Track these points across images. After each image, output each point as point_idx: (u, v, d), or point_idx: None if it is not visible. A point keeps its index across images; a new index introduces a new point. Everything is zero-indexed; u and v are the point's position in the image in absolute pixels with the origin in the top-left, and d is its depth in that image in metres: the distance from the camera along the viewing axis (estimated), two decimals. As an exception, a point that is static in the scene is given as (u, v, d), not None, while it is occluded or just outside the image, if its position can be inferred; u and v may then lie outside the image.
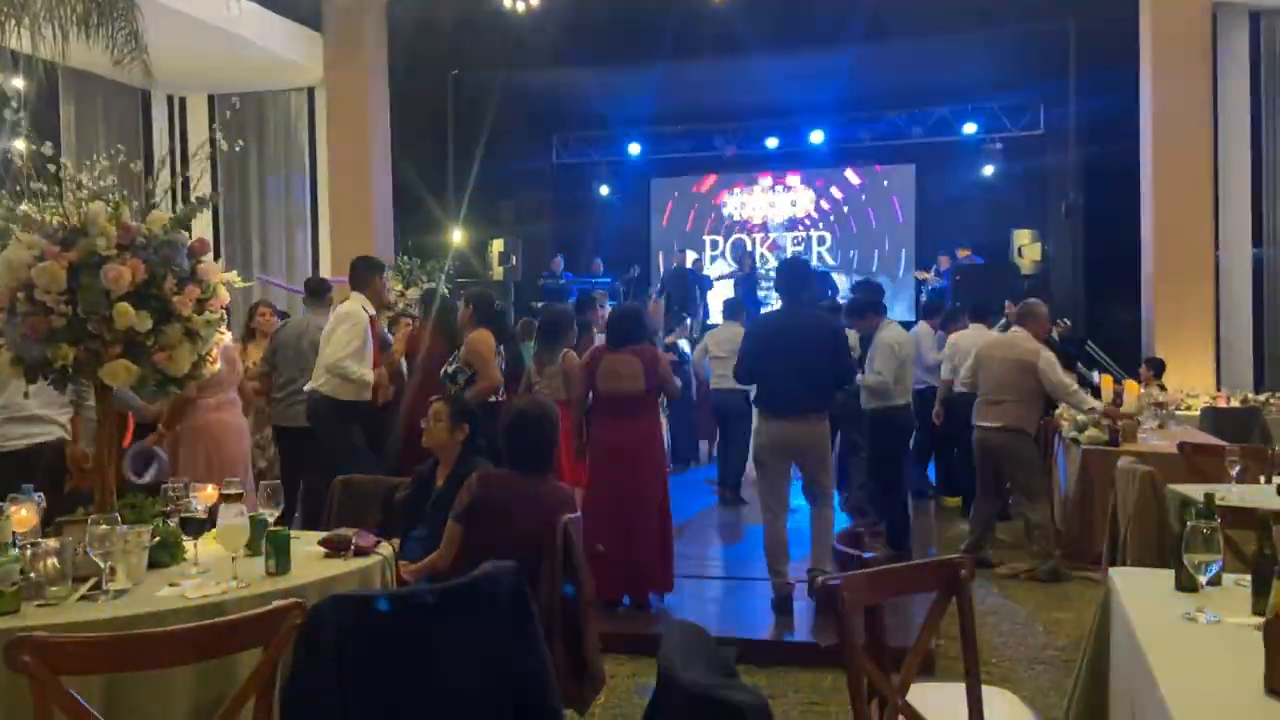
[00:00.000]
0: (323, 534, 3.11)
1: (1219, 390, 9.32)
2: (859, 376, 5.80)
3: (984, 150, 14.07)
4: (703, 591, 5.54)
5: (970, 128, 14.06)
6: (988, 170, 14.07)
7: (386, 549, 3.02)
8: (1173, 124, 9.93)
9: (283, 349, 6.07)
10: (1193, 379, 9.52)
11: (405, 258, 11.25)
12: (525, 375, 5.67)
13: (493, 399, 5.16)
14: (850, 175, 15.25)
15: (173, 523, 2.92)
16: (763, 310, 12.00)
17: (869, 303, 6.09)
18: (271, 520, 3.01)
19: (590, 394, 5.13)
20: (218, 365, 3.05)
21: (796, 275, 5.20)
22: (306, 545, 3.03)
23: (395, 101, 11.94)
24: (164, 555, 2.84)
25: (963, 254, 12.40)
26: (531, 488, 3.28)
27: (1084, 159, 11.68)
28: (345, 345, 5.30)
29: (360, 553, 2.93)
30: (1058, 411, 6.88)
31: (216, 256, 12.10)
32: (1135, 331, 10.56)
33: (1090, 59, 11.51)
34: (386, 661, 2.03)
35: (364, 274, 5.47)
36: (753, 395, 5.30)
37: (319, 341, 5.62)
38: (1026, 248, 12.49)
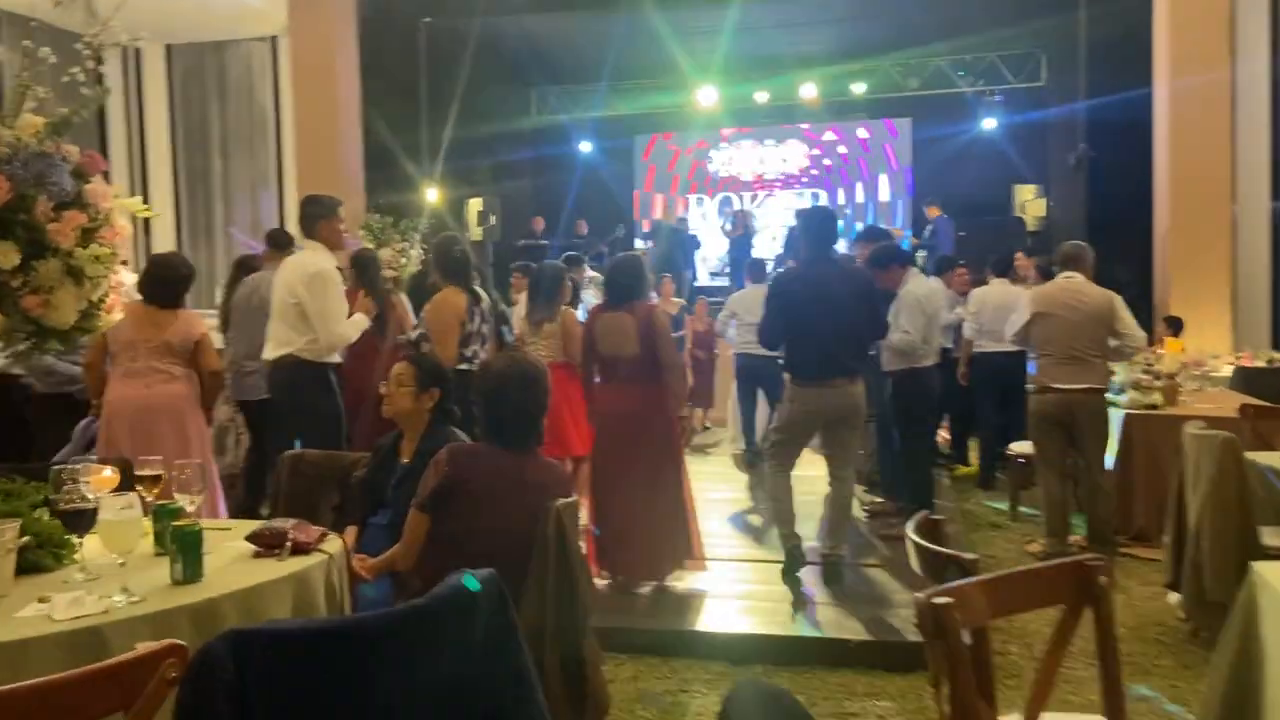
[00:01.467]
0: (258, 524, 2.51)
1: (1239, 350, 8.81)
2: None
3: (983, 103, 13.48)
4: (718, 574, 4.96)
5: (969, 80, 13.44)
6: (988, 124, 13.48)
7: (334, 544, 2.42)
8: (1188, 70, 9.32)
9: (235, 313, 5.44)
10: (1208, 338, 9.01)
11: (377, 216, 10.55)
12: (505, 336, 5.04)
13: (465, 364, 4.56)
14: (844, 130, 14.60)
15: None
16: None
17: (895, 252, 5.47)
18: (192, 509, 2.40)
19: (591, 357, 4.55)
20: (115, 314, 2.41)
21: (822, 224, 4.60)
22: (232, 541, 2.42)
23: (364, 51, 11.19)
24: (46, 558, 2.23)
25: (933, 212, 11.80)
26: (515, 466, 2.66)
27: (1090, 111, 11.07)
28: (338, 315, 4.56)
29: (299, 550, 2.33)
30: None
31: (178, 221, 11.34)
32: (1146, 289, 10.01)
33: (1099, 5, 10.89)
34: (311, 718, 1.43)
35: (314, 216, 4.67)
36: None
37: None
38: (1029, 203, 11.94)
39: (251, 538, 2.37)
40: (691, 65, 13.15)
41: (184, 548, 2.13)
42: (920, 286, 5.33)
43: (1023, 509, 6.14)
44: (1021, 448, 6.33)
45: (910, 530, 2.01)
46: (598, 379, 4.54)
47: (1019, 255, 7.51)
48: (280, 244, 5.77)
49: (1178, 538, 3.83)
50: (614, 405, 4.39)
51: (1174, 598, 4.18)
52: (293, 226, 10.74)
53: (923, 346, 5.24)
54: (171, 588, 2.10)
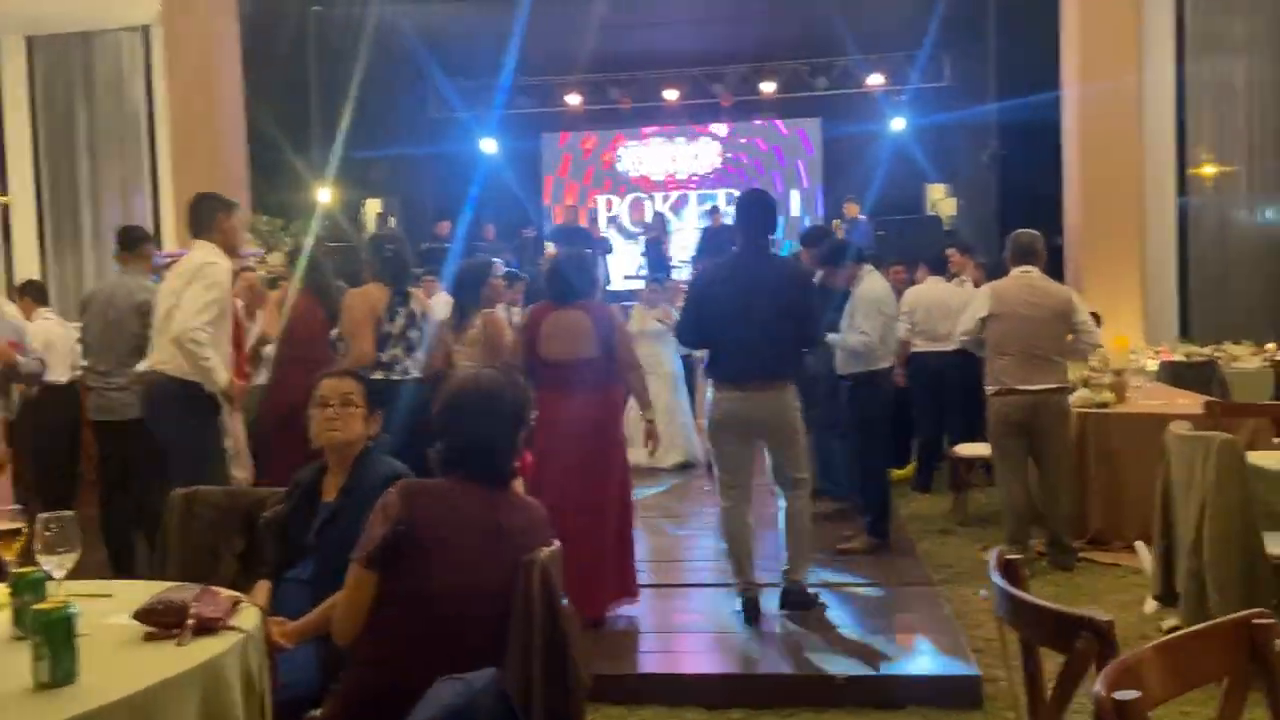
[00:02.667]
0: (161, 587, 1.98)
1: (1150, 344, 8.89)
2: (840, 337, 4.87)
3: (891, 103, 13.46)
4: (674, 603, 4.54)
5: (876, 79, 13.41)
6: (896, 124, 13.45)
7: (250, 618, 1.91)
8: (1097, 74, 9.36)
9: (89, 327, 4.81)
10: (1121, 333, 9.07)
11: (265, 217, 9.82)
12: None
13: (381, 372, 4.03)
14: (754, 129, 14.41)
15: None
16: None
17: (847, 249, 5.15)
18: (60, 577, 1.87)
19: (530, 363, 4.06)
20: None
21: (759, 210, 4.17)
22: (115, 618, 1.89)
23: (247, 41, 10.43)
24: None
25: (851, 211, 11.71)
26: (486, 507, 2.15)
27: (999, 112, 11.09)
28: (199, 309, 3.96)
29: (206, 629, 1.82)
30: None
31: (40, 226, 10.37)
32: (1060, 286, 10.05)
33: (1007, 4, 10.93)
34: None
35: (208, 213, 4.12)
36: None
37: (136, 309, 4.53)
38: (941, 202, 11.94)
39: (142, 615, 1.85)
40: (599, 61, 12.75)
41: (51, 639, 1.60)
42: (876, 285, 5.02)
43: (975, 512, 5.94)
44: (967, 449, 6.13)
45: (997, 577, 1.64)
46: (539, 388, 4.09)
47: (951, 252, 7.33)
48: (131, 242, 5.03)
49: (1166, 547, 3.59)
50: (562, 416, 3.92)
51: (1150, 606, 3.97)
52: (169, 230, 10.09)
53: (880, 348, 4.94)
54: (34, 694, 1.58)
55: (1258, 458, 3.51)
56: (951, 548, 5.34)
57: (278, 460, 4.45)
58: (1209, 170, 9.76)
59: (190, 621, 1.81)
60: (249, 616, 1.92)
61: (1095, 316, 8.59)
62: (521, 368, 3.86)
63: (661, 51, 12.88)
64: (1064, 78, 9.73)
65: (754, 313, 3.91)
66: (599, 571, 3.92)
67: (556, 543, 2.10)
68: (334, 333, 4.48)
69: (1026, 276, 4.89)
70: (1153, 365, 7.33)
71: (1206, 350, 8.06)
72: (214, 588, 1.99)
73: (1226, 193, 9.74)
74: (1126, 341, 7.66)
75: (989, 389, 4.87)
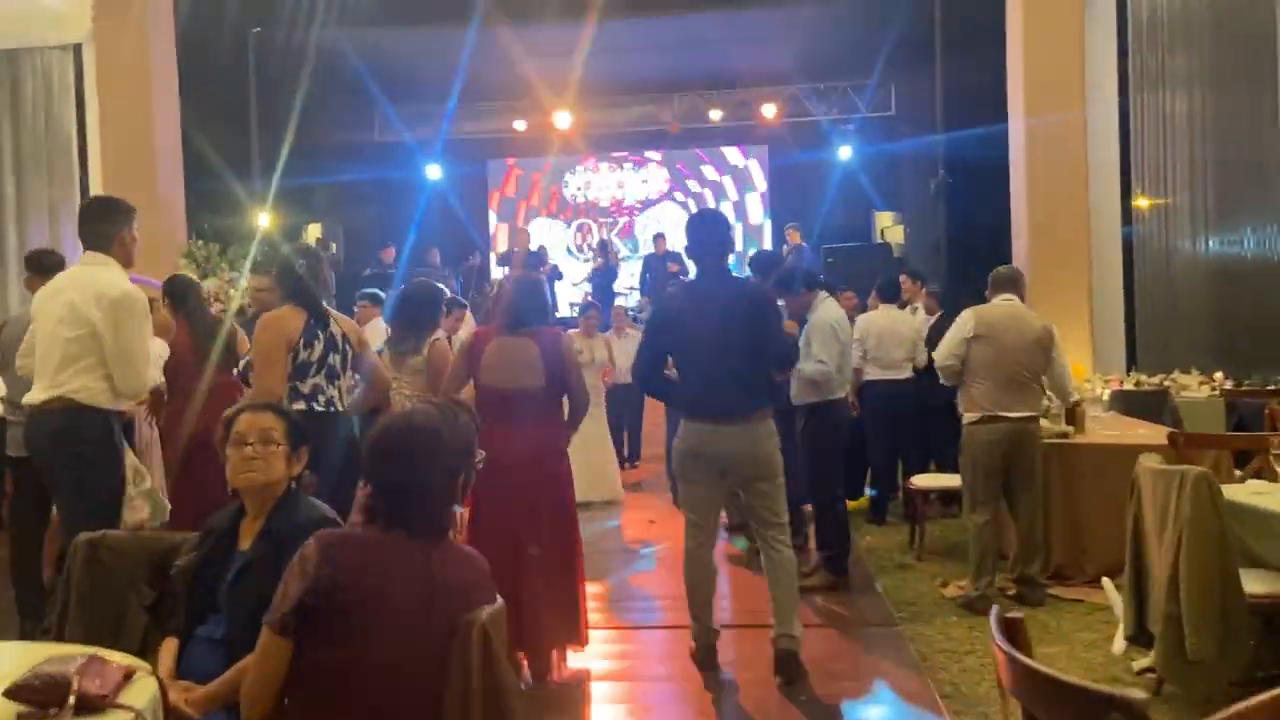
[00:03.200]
0: (44, 651, 1.72)
1: (1098, 373, 8.91)
2: (797, 366, 4.70)
3: (838, 132, 13.52)
4: (623, 647, 4.30)
5: (823, 109, 13.47)
6: (843, 152, 13.51)
7: (143, 692, 1.66)
8: (1043, 107, 9.44)
9: (3, 356, 4.46)
10: (1069, 362, 9.08)
11: (200, 242, 9.47)
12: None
13: (302, 402, 3.72)
14: (704, 156, 14.37)
15: None
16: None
17: (802, 275, 5.00)
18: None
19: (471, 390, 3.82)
20: None
21: (713, 231, 3.98)
22: (-16, 695, 1.63)
23: (184, 61, 10.11)
24: None
25: (793, 237, 11.66)
26: (420, 561, 1.89)
27: (947, 143, 11.15)
28: (146, 350, 3.71)
29: (88, 708, 1.57)
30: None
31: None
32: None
33: (953, 38, 11.01)
34: None
35: (111, 222, 3.75)
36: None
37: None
38: (889, 230, 11.96)
39: (15, 692, 1.59)
40: (546, 86, 12.61)
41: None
42: (831, 312, 4.88)
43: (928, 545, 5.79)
44: (924, 480, 6.01)
45: (1002, 640, 1.46)
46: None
47: (904, 278, 7.26)
48: (46, 268, 4.59)
49: (1138, 586, 3.46)
50: (503, 451, 3.69)
51: (1120, 646, 3.84)
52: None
53: (837, 376, 4.79)
54: None
55: (1226, 491, 3.40)
56: (911, 583, 5.18)
57: (182, 502, 4.17)
58: (1153, 202, 9.88)
59: (70, 700, 1.55)
60: (142, 691, 1.67)
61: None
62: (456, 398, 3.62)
63: (610, 78, 12.78)
64: (1010, 110, 9.79)
65: (720, 340, 3.70)
66: (546, 622, 3.68)
67: (499, 600, 1.88)
68: (242, 362, 4.19)
69: (1010, 304, 4.82)
70: (1104, 394, 7.32)
71: (1155, 380, 8.09)
72: (103, 655, 1.73)
73: (1170, 224, 9.86)
74: (1083, 370, 7.66)
75: (968, 417, 4.73)
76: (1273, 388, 7.18)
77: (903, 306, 6.99)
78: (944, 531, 6.14)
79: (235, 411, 2.46)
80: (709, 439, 3.71)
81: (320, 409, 3.70)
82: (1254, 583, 3.16)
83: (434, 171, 13.96)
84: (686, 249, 4.15)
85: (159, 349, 4.54)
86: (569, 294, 13.47)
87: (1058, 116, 9.29)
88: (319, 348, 3.75)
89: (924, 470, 6.80)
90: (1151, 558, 3.37)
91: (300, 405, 3.61)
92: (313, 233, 11.56)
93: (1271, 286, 9.34)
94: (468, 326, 7.64)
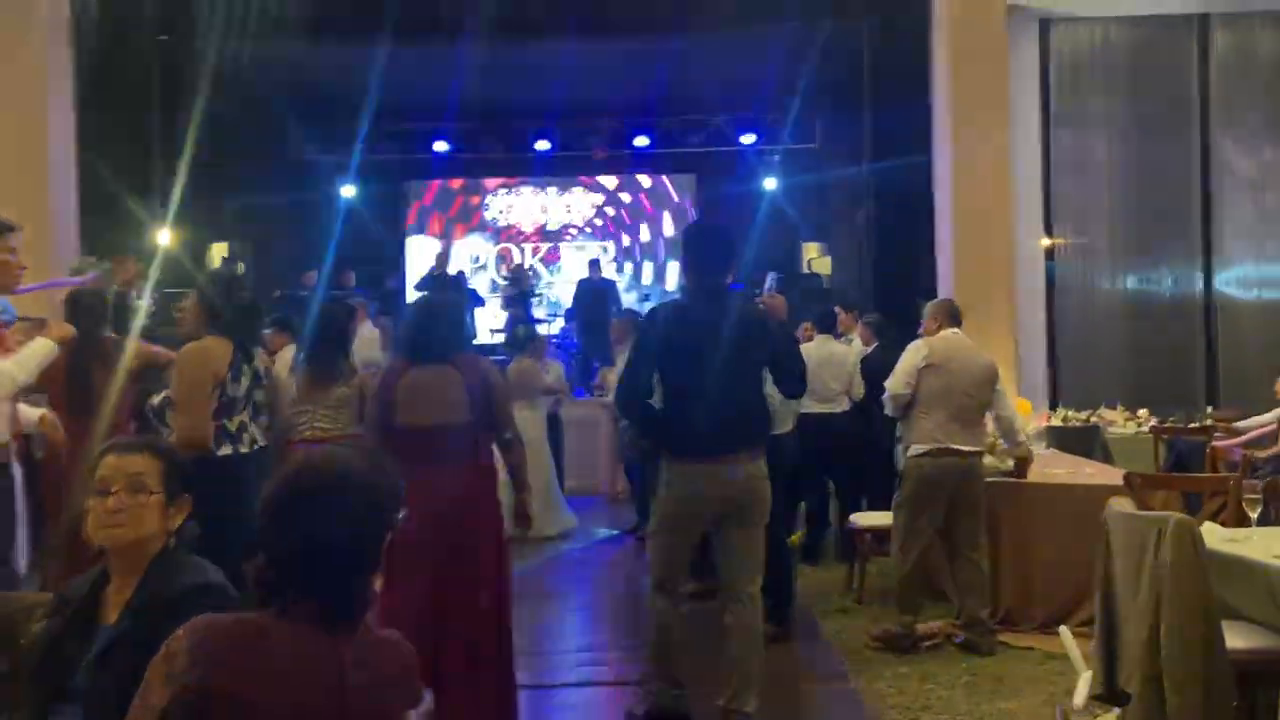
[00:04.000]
0: None
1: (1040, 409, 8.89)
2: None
3: (764, 162, 13.47)
4: (556, 714, 3.95)
5: (748, 138, 13.41)
6: (769, 183, 13.46)
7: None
8: (969, 140, 9.48)
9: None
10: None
11: (95, 258, 8.82)
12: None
13: (228, 446, 3.33)
14: (628, 183, 14.18)
15: None
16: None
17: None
18: None
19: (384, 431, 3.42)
20: None
21: (712, 244, 3.64)
22: None
23: (82, 71, 9.50)
24: None
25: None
26: (327, 656, 1.49)
27: (873, 174, 11.16)
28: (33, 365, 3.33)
29: None
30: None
31: None
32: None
33: (881, 72, 11.06)
34: None
35: None
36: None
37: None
38: (815, 260, 11.91)
39: None
40: (467, 109, 12.26)
41: None
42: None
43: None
44: (866, 519, 5.80)
45: None
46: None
47: (839, 310, 7.12)
48: None
49: (1108, 640, 3.26)
50: (422, 499, 3.31)
51: (1081, 698, 3.64)
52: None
53: (783, 408, 4.56)
54: None
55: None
56: (854, 629, 4.97)
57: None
58: (1071, 240, 10.02)
59: None
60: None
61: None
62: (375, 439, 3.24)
63: (533, 101, 12.50)
64: (935, 143, 9.82)
65: (721, 365, 3.36)
66: (475, 709, 3.29)
67: (428, 697, 1.54)
68: (155, 399, 3.78)
69: (958, 337, 4.68)
70: (1030, 430, 7.23)
71: (1083, 415, 8.10)
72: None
73: (1090, 262, 10.00)
74: (1029, 406, 7.57)
75: (916, 449, 4.55)
76: (1205, 424, 7.21)
77: (839, 338, 6.83)
78: (882, 570, 5.94)
79: (102, 452, 2.06)
80: (707, 481, 3.34)
81: (246, 450, 3.36)
82: (1234, 637, 2.98)
83: (348, 191, 13.46)
84: (682, 262, 3.88)
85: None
86: (490, 320, 13.09)
87: (982, 150, 9.35)
88: (245, 382, 3.40)
89: (857, 507, 6.64)
90: (1124, 610, 3.17)
91: (227, 449, 3.28)
92: (217, 251, 10.97)
93: (1189, 325, 9.52)
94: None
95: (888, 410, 4.77)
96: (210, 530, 2.29)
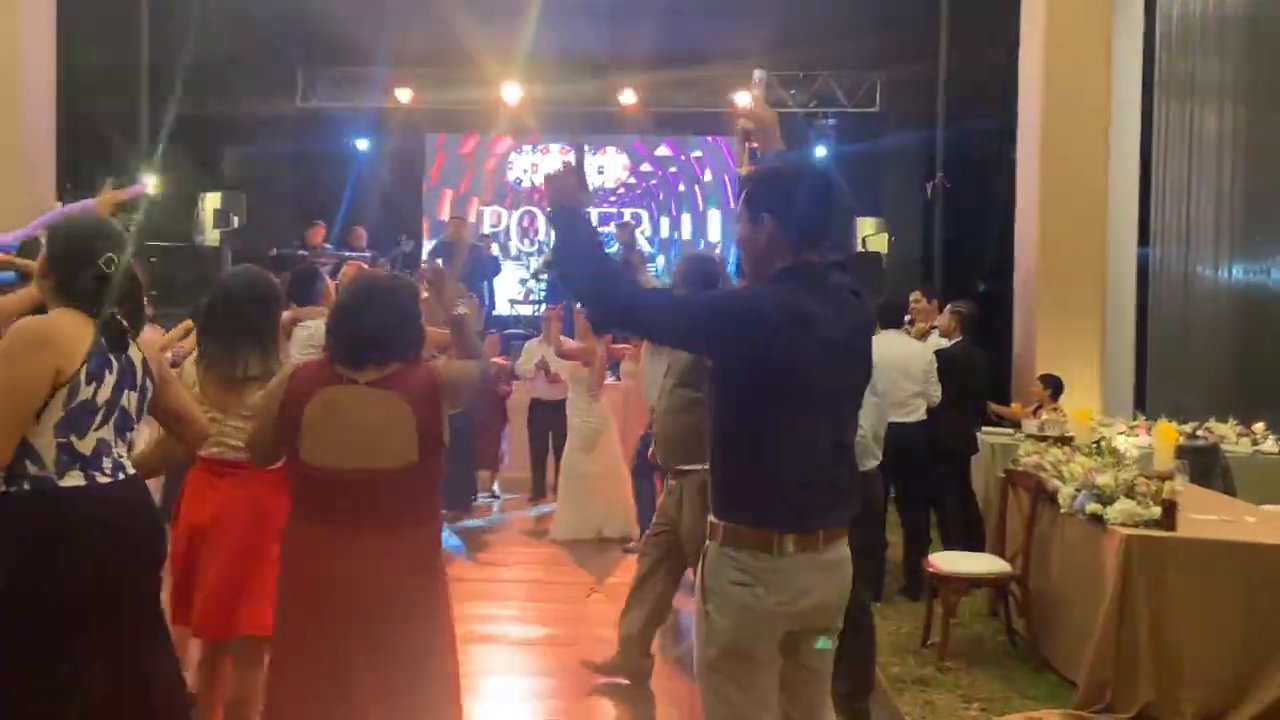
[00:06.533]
0: None
1: (1108, 415, 7.70)
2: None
3: (815, 127, 12.26)
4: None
5: (799, 100, 12.19)
6: (818, 151, 12.26)
7: None
8: (1062, 102, 8.26)
9: None
10: (1076, 401, 7.88)
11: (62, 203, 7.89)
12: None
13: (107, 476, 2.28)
14: (668, 144, 13.01)
15: None
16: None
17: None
18: None
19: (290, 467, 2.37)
20: None
21: (843, 200, 2.44)
22: None
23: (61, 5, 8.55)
24: None
25: None
26: None
27: (945, 140, 9.92)
28: None
29: None
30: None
31: None
32: (1004, 342, 8.82)
33: (959, 26, 9.82)
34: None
35: None
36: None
37: None
38: (871, 238, 10.72)
39: None
40: (492, 54, 11.14)
41: None
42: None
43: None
44: (951, 563, 4.67)
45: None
46: (301, 514, 2.39)
47: (916, 296, 5.97)
48: None
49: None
50: (333, 576, 2.27)
51: None
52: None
53: (870, 441, 3.47)
54: None
55: None
56: (941, 709, 3.89)
57: None
58: (1170, 222, 8.79)
59: None
60: None
61: (1052, 379, 7.46)
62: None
63: (564, 51, 11.36)
64: (1021, 106, 8.62)
65: (845, 389, 2.19)
66: None
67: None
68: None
69: None
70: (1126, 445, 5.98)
71: (1188, 428, 6.89)
72: None
73: (1191, 247, 8.77)
74: (1087, 415, 6.38)
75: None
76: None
77: (918, 331, 5.70)
78: (962, 620, 4.85)
79: None
80: (816, 574, 2.09)
81: (106, 480, 2.27)
82: None
83: (362, 144, 12.44)
84: (780, 225, 2.13)
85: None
86: (510, 290, 12.03)
87: (1076, 110, 8.13)
88: (110, 382, 2.30)
89: (926, 535, 5.58)
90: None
91: (75, 478, 2.19)
92: (209, 203, 9.95)
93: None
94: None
95: None
96: None
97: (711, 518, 2.13)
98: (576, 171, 2.11)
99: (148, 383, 2.39)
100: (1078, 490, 4.09)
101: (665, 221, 12.95)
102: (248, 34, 10.48)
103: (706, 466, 2.18)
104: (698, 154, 13.04)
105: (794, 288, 2.10)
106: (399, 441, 2.27)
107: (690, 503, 3.78)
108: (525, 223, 12.95)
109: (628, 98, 11.93)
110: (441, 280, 2.58)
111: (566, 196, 2.07)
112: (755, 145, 2.41)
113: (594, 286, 2.09)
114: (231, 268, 4.05)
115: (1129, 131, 8.53)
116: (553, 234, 2.18)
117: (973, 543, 5.33)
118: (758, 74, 2.59)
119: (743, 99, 12.17)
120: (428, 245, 12.16)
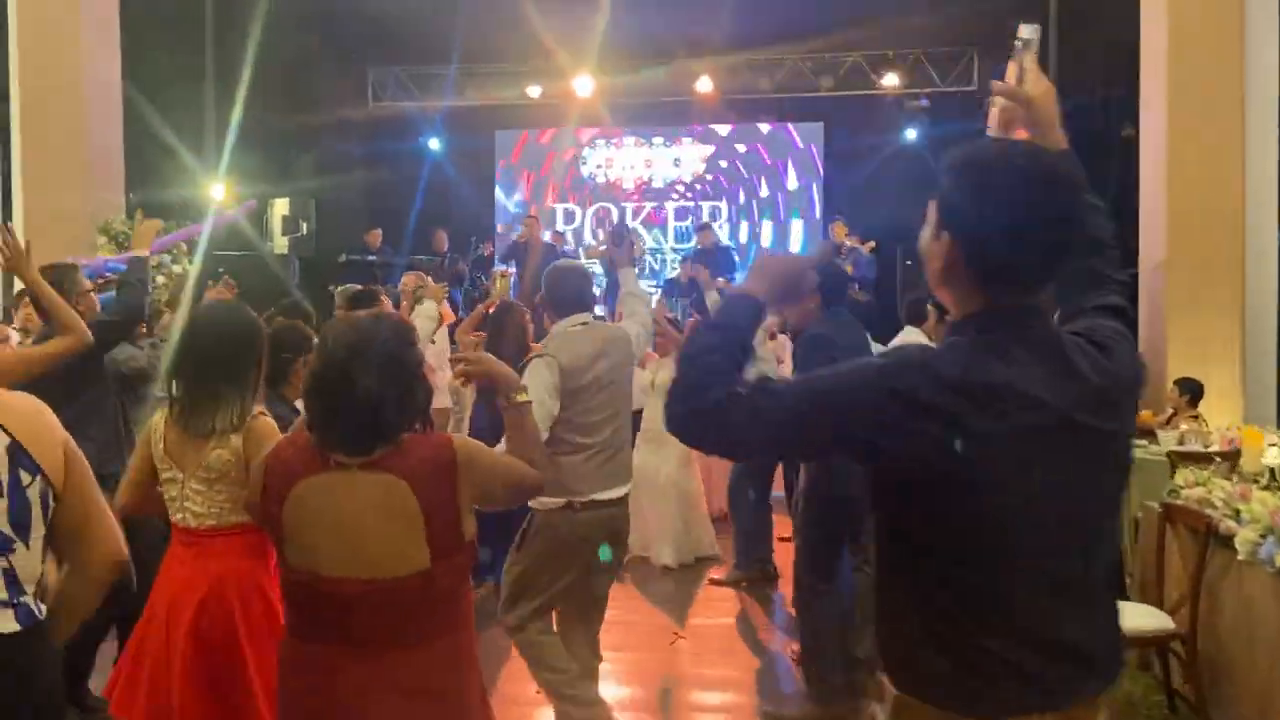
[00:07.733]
0: None
1: (1261, 425, 6.81)
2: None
3: (906, 108, 11.52)
4: None
5: (889, 80, 11.45)
6: (911, 133, 11.52)
7: None
8: (1189, 69, 7.44)
9: None
10: (1214, 407, 7.04)
11: (123, 218, 7.80)
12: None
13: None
14: (746, 131, 12.38)
15: None
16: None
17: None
18: None
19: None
20: None
21: (1069, 207, 1.41)
22: None
23: (127, 5, 8.39)
24: None
25: (839, 234, 9.74)
26: None
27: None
28: None
29: None
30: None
31: None
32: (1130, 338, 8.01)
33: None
34: None
35: None
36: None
37: None
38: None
39: None
40: (564, 47, 10.70)
41: None
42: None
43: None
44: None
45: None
46: (292, 626, 1.88)
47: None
48: None
49: None
50: (335, 697, 1.76)
51: None
52: (20, 231, 7.91)
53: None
54: None
55: None
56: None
57: None
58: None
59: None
60: None
61: (1191, 383, 6.67)
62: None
63: (637, 39, 10.84)
64: (1144, 73, 7.83)
65: (1078, 504, 1.40)
66: None
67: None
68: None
69: None
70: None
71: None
72: None
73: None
74: (1260, 437, 5.02)
75: None
76: None
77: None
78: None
79: None
80: None
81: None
82: None
83: (434, 144, 12.15)
84: (969, 252, 1.39)
85: None
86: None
87: (1208, 76, 7.31)
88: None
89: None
90: None
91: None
92: (278, 209, 9.72)
93: None
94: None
95: None
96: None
97: None
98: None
99: (48, 490, 1.66)
100: (1262, 536, 3.40)
101: (745, 226, 12.31)
102: (314, 32, 10.26)
103: None
104: (768, 138, 12.35)
105: (978, 337, 1.45)
106: (402, 541, 1.73)
107: None
108: (601, 215, 12.47)
109: (704, 85, 11.35)
110: (491, 369, 1.95)
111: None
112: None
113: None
114: (207, 303, 3.61)
115: (1266, 106, 7.64)
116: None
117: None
118: (1025, 30, 1.58)
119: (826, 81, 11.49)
120: (500, 246, 11.80)
